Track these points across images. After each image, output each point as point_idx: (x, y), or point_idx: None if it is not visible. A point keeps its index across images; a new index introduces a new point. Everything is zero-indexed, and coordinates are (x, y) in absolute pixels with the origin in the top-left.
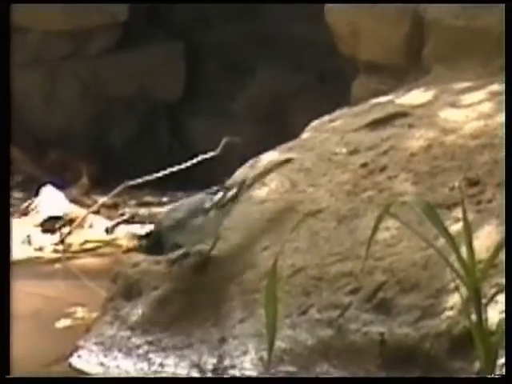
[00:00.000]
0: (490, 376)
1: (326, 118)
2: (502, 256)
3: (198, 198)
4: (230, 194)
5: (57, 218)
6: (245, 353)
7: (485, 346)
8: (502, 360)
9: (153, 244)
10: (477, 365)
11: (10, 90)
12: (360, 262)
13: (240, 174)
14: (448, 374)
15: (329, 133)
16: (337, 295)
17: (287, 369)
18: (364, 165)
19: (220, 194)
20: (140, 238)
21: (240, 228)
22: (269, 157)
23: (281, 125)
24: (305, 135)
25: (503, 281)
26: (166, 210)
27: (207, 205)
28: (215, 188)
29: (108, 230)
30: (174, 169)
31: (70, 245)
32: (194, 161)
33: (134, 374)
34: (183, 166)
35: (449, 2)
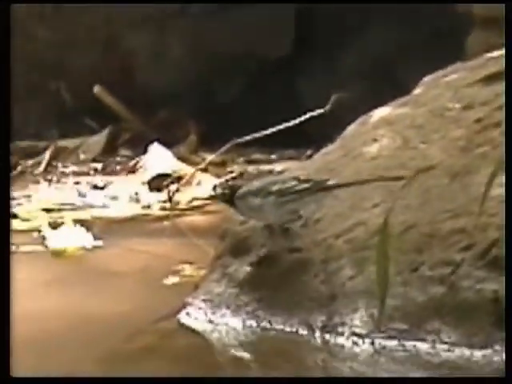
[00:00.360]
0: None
1: (440, 73)
2: None
3: (277, 178)
4: (300, 187)
5: (164, 176)
6: (355, 310)
7: None
8: None
9: (227, 194)
10: None
11: (10, 89)
12: (473, 218)
13: (351, 130)
14: None
15: (442, 88)
16: (449, 252)
17: (397, 326)
18: (478, 120)
19: (290, 184)
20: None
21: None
22: (381, 112)
23: (392, 81)
24: (417, 91)
25: None
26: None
27: (273, 188)
28: (295, 177)
29: (216, 188)
30: (283, 126)
31: (177, 202)
32: (303, 118)
33: (241, 331)
34: (292, 123)
35: (449, 2)
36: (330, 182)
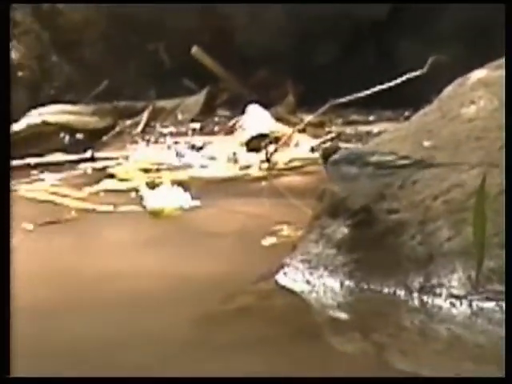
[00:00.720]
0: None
1: None
2: None
3: (374, 149)
4: (399, 162)
5: (263, 137)
6: (452, 271)
7: None
8: None
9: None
10: None
11: (10, 89)
12: None
13: (448, 92)
14: None
15: None
16: None
17: (495, 287)
18: None
19: (390, 158)
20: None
21: (448, 147)
22: (478, 74)
23: (489, 43)
24: None
25: None
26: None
27: (371, 159)
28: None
29: (314, 149)
30: (380, 88)
31: (275, 163)
32: (400, 80)
33: (339, 292)
34: (389, 84)
35: (449, 2)
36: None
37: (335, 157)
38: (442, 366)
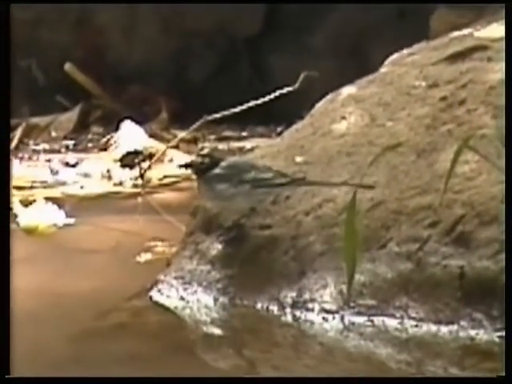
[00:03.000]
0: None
1: (405, 51)
2: None
3: (248, 165)
4: (276, 181)
5: (136, 153)
6: (324, 286)
7: None
8: None
9: (202, 168)
10: None
11: (10, 89)
12: (439, 195)
13: (320, 107)
14: None
15: (408, 66)
16: (416, 229)
17: (366, 302)
18: (443, 98)
19: (266, 176)
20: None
21: (320, 162)
22: (348, 90)
23: (360, 59)
24: (383, 69)
25: None
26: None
27: (247, 177)
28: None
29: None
30: (253, 103)
31: (149, 179)
32: (273, 95)
33: (213, 307)
34: (262, 100)
35: (449, 2)
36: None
37: (209, 174)
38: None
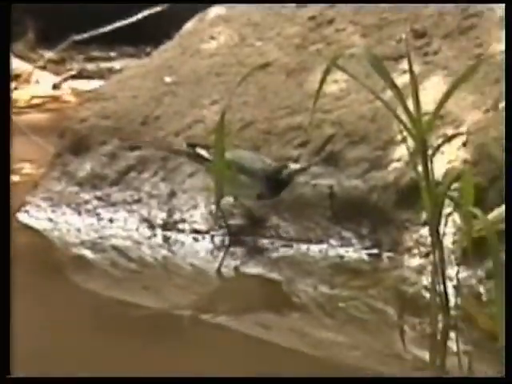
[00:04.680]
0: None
1: None
2: (452, 109)
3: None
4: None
5: None
6: (194, 207)
7: (431, 196)
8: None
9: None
10: (423, 215)
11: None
12: (308, 115)
13: (188, 27)
14: (395, 225)
15: None
16: (286, 149)
17: (237, 222)
18: (312, 18)
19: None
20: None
21: (188, 82)
22: (217, 10)
23: None
24: None
25: (450, 131)
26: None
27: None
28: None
29: (55, 86)
30: (122, 23)
31: (16, 100)
32: (141, 15)
33: (82, 229)
34: (131, 20)
35: (449, 2)
36: None
37: None
38: (183, 299)
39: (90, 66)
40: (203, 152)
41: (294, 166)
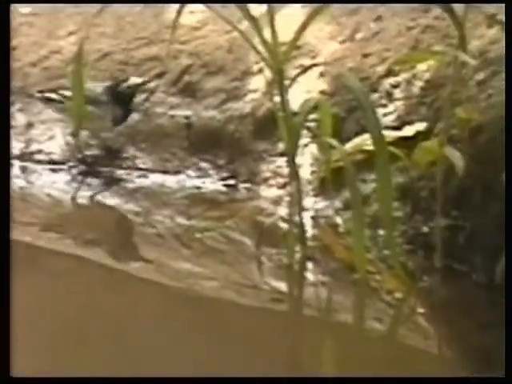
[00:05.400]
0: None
1: None
2: (309, 40)
3: None
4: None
5: None
6: (51, 138)
7: (288, 126)
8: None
9: None
10: (281, 146)
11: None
12: (165, 46)
13: None
14: (252, 156)
15: None
16: (143, 79)
17: (94, 153)
18: None
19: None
20: None
21: (46, 13)
22: None
23: None
24: None
25: (306, 63)
26: None
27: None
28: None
29: None
30: None
31: None
32: None
33: None
34: None
35: (449, 2)
36: None
37: None
38: (42, 232)
39: None
40: (53, 95)
41: (133, 79)
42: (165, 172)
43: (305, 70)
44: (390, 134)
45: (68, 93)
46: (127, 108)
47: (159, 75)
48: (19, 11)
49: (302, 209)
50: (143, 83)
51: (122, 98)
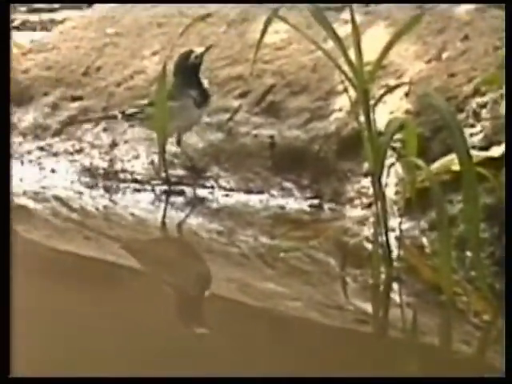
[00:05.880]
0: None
1: None
2: (394, 59)
3: None
4: None
5: None
6: (135, 157)
7: (373, 146)
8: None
9: None
10: (365, 165)
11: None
12: (249, 65)
13: None
14: (337, 176)
15: None
16: (226, 99)
17: (178, 173)
18: None
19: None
20: None
21: (130, 33)
22: None
23: None
24: None
25: (392, 82)
26: None
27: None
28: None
29: None
30: None
31: None
32: None
33: (25, 179)
34: None
35: (449, 2)
36: None
37: None
38: (126, 251)
39: (33, 18)
40: (137, 114)
41: (198, 49)
42: (248, 191)
43: (390, 89)
44: (477, 155)
45: (152, 111)
46: (199, 82)
47: (243, 95)
48: (105, 31)
49: (387, 229)
50: (207, 49)
51: (190, 67)
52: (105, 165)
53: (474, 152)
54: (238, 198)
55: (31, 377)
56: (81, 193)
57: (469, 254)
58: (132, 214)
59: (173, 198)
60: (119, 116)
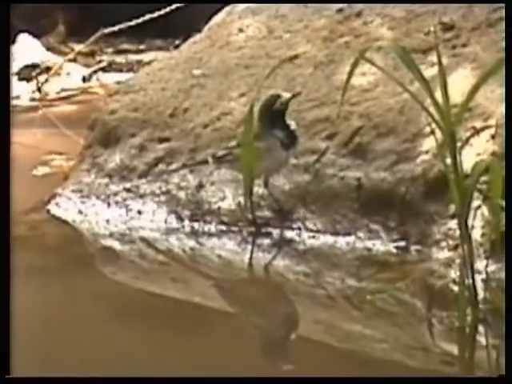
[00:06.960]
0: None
1: None
2: (480, 101)
3: None
4: None
5: (33, 66)
6: (222, 199)
7: (459, 188)
8: (476, 202)
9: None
10: (452, 208)
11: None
12: (336, 107)
13: (217, 20)
14: (423, 218)
15: None
16: (313, 140)
17: (264, 214)
18: (340, 10)
19: None
20: None
21: (217, 74)
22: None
23: None
24: None
25: (478, 124)
26: None
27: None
28: None
29: (85, 78)
30: (151, 16)
31: (46, 93)
32: (170, 8)
33: (112, 221)
34: (160, 13)
35: (449, 2)
36: None
37: None
38: (214, 293)
39: (120, 59)
40: (225, 156)
41: (284, 94)
42: (335, 233)
43: (477, 132)
44: None
45: (239, 152)
46: (285, 124)
47: (330, 136)
48: (192, 72)
49: (473, 271)
50: (293, 96)
51: (276, 113)
52: (191, 206)
53: None
54: (325, 239)
55: (31, 377)
56: (167, 234)
57: None
58: (219, 256)
59: (259, 240)
60: (210, 161)
